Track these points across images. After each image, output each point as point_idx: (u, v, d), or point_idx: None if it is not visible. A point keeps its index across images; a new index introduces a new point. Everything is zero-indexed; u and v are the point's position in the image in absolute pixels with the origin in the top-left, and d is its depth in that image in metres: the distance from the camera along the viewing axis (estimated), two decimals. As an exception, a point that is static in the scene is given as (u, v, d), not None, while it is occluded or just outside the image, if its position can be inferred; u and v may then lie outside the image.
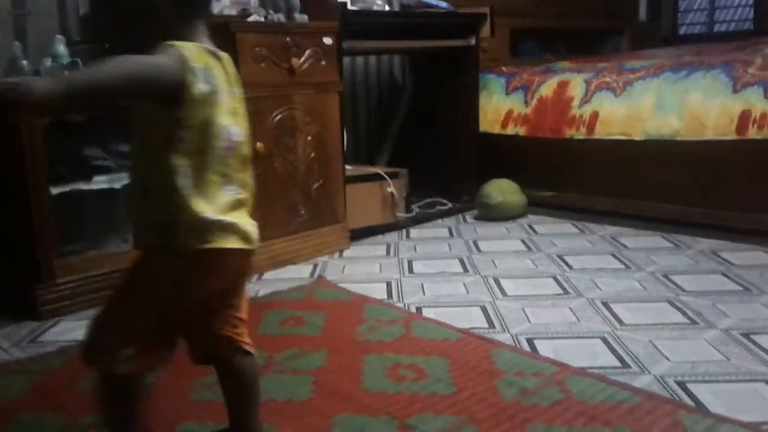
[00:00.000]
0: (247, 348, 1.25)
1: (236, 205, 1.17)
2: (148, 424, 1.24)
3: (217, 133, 1.12)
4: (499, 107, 3.52)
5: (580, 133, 3.17)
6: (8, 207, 2.17)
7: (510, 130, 3.45)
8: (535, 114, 3.38)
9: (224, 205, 1.14)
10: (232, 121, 1.15)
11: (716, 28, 5.36)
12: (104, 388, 1.20)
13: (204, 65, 1.10)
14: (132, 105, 1.13)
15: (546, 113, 3.34)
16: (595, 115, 3.14)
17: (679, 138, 2.82)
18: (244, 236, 1.17)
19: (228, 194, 1.15)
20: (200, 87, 1.08)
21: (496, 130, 3.49)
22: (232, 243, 1.15)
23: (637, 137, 2.96)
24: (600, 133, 3.10)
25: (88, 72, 1.06)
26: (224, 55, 1.17)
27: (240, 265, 1.22)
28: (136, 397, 1.21)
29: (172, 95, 1.07)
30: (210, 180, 1.12)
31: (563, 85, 3.34)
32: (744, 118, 2.65)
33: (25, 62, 2.41)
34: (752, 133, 2.61)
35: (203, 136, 1.10)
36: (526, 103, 3.42)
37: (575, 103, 3.24)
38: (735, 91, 2.71)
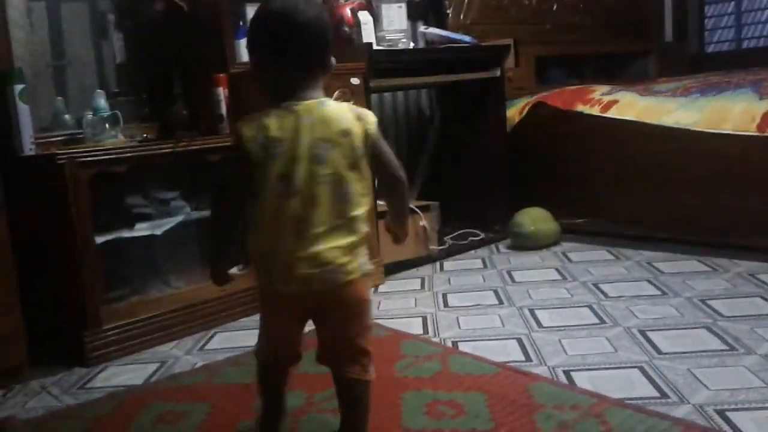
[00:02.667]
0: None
1: None
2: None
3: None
4: (519, 104, 3.56)
5: (593, 110, 3.16)
6: (55, 256, 2.26)
7: (526, 111, 3.46)
8: (552, 93, 3.43)
9: None
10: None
11: (744, 44, 5.33)
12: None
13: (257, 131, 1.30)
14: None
15: (564, 93, 3.38)
16: (613, 101, 3.15)
17: (696, 128, 2.77)
18: None
19: None
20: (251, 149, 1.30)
21: (516, 119, 3.49)
22: None
23: (650, 121, 2.93)
24: (613, 113, 3.08)
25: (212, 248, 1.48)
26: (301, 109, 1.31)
27: None
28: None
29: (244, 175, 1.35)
30: None
31: (587, 88, 3.39)
32: (767, 117, 2.61)
33: (67, 116, 2.53)
34: None
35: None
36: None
37: (596, 93, 3.27)
38: (761, 98, 2.70)
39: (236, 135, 1.30)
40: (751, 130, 2.62)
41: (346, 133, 1.30)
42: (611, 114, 3.08)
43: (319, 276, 1.29)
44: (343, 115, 1.31)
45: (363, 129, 1.31)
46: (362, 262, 1.35)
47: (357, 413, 1.42)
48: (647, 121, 2.95)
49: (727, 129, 2.69)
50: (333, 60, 1.37)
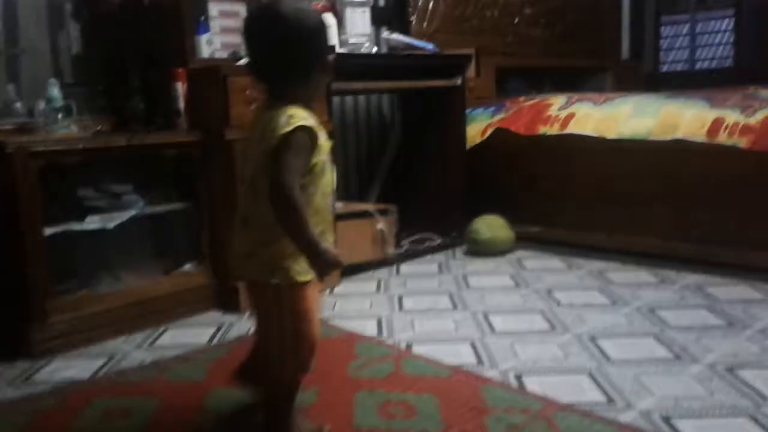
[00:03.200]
0: None
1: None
2: None
3: None
4: (482, 124, 3.58)
5: (553, 129, 3.20)
6: (1, 247, 2.19)
7: (488, 133, 3.48)
8: (512, 115, 3.45)
9: None
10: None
11: (698, 65, 5.49)
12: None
13: None
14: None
15: (522, 114, 3.42)
16: (570, 116, 3.20)
17: (651, 138, 2.85)
18: None
19: None
20: None
21: (477, 140, 3.51)
22: None
23: (609, 136, 2.99)
24: (572, 128, 3.13)
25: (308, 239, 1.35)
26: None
27: None
28: None
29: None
30: None
31: (545, 100, 3.43)
32: (717, 123, 2.69)
33: (19, 104, 2.46)
34: (722, 138, 2.64)
35: None
36: (506, 113, 3.49)
37: (553, 108, 3.32)
38: (712, 107, 2.78)
39: (304, 123, 1.35)
40: (701, 136, 2.70)
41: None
42: (570, 130, 3.14)
43: None
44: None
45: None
46: None
47: None
48: (605, 135, 3.01)
49: (678, 135, 2.77)
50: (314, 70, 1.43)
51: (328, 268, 1.37)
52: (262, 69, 1.44)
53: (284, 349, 1.44)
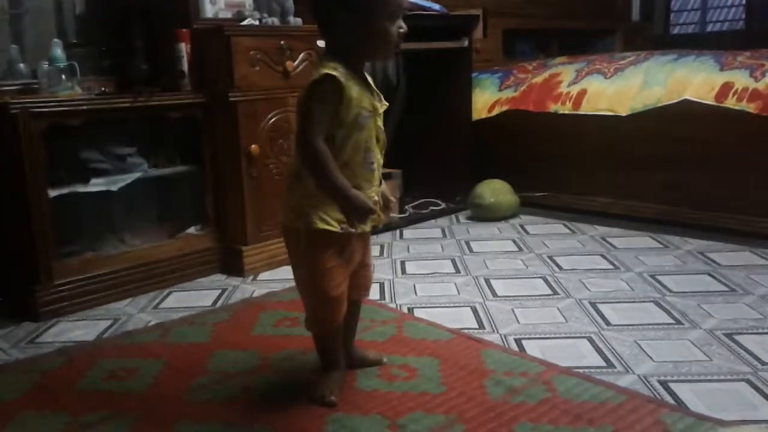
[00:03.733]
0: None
1: None
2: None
3: None
4: (490, 99, 3.55)
5: (566, 108, 3.18)
6: (7, 209, 2.21)
7: (495, 111, 3.46)
8: (522, 95, 3.41)
9: None
10: None
11: (709, 27, 5.41)
12: None
13: None
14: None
15: (532, 93, 3.38)
16: (582, 93, 3.16)
17: (660, 104, 2.84)
18: None
19: None
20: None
21: (483, 115, 3.49)
22: None
23: (622, 112, 2.97)
24: (586, 108, 3.11)
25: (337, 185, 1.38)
26: None
27: None
28: None
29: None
30: None
31: (554, 75, 3.38)
32: (726, 87, 2.68)
33: (22, 65, 2.45)
34: (731, 102, 2.63)
35: None
36: (516, 91, 3.45)
37: (564, 84, 3.28)
38: (721, 69, 2.75)
39: (329, 72, 1.37)
40: (709, 99, 2.68)
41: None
42: (584, 110, 3.10)
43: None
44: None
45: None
46: None
47: None
48: (619, 112, 2.98)
49: (687, 95, 2.75)
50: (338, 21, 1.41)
51: (357, 212, 1.39)
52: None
53: (304, 298, 1.55)
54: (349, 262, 1.52)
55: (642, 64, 3.07)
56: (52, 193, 2.19)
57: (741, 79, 2.66)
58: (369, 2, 1.39)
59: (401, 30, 1.43)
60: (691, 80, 2.78)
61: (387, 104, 1.51)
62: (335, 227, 1.44)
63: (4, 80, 2.38)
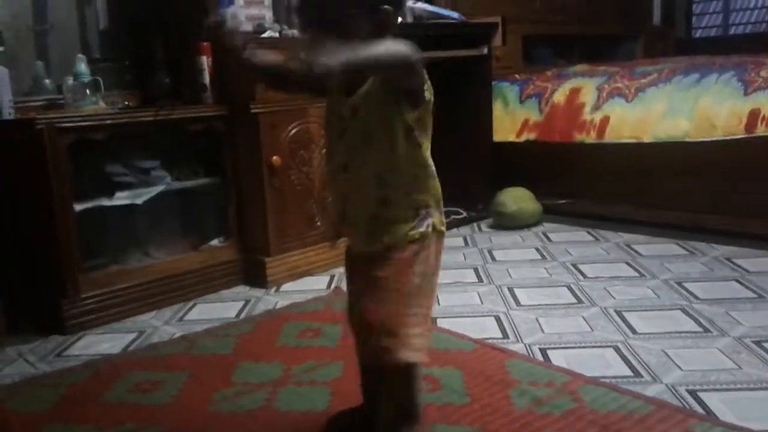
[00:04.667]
0: None
1: None
2: None
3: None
4: (515, 117, 3.52)
5: (590, 138, 3.16)
6: (34, 223, 2.24)
7: (523, 137, 3.45)
8: (547, 120, 3.39)
9: None
10: None
11: (731, 30, 5.34)
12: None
13: None
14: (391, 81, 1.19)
15: (557, 119, 3.35)
16: (606, 120, 3.14)
17: (688, 139, 2.81)
18: None
19: None
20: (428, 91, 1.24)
21: (511, 138, 3.50)
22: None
23: (646, 140, 2.95)
24: (610, 136, 3.09)
25: (357, 50, 1.08)
26: None
27: None
28: None
29: (418, 91, 1.21)
30: None
31: (575, 92, 3.35)
32: (753, 116, 2.64)
33: (47, 81, 2.49)
34: (761, 130, 2.60)
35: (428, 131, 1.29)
36: (541, 111, 3.43)
37: (587, 109, 3.25)
38: (746, 93, 2.72)
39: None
40: (740, 134, 2.66)
41: None
42: (608, 139, 3.08)
43: None
44: None
45: None
46: None
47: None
48: (642, 139, 2.95)
49: (717, 136, 2.73)
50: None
51: None
52: None
53: (409, 318, 1.29)
54: None
55: (664, 86, 3.01)
56: (78, 207, 2.22)
57: (766, 104, 2.63)
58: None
59: None
60: (718, 112, 2.75)
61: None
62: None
63: (30, 96, 2.42)
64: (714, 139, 2.74)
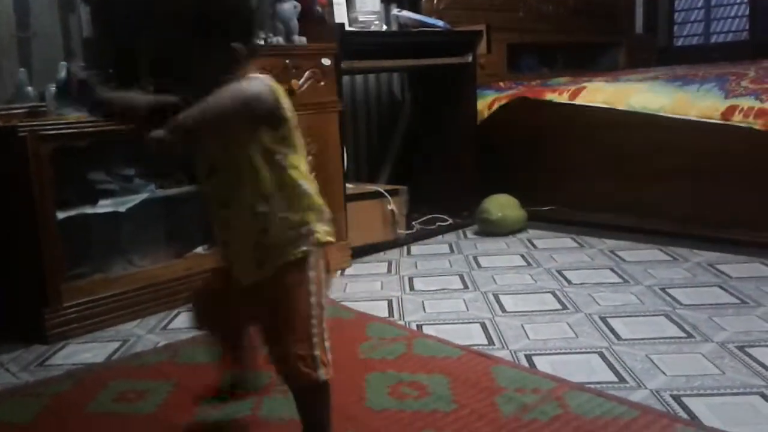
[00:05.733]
0: None
1: None
2: None
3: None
4: (489, 98, 3.57)
5: (562, 98, 3.20)
6: (15, 231, 2.22)
7: (494, 107, 3.48)
8: (520, 91, 3.47)
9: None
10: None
11: (713, 39, 5.41)
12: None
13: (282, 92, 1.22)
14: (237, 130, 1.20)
15: (530, 89, 3.43)
16: (581, 89, 3.21)
17: (662, 113, 2.85)
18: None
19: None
20: (287, 111, 1.21)
21: (485, 115, 3.51)
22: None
23: (619, 107, 2.99)
24: (583, 100, 3.13)
25: (199, 107, 1.11)
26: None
27: None
28: None
29: (273, 117, 1.19)
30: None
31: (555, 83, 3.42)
32: (731, 109, 2.68)
33: (30, 88, 2.47)
34: (737, 119, 2.63)
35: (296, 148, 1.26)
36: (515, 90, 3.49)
37: (562, 82, 3.32)
38: (726, 97, 2.75)
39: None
40: (716, 118, 2.68)
41: None
42: (580, 101, 3.12)
43: None
44: None
45: None
46: None
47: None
48: (615, 106, 2.99)
49: (692, 116, 2.75)
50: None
51: None
52: None
53: (311, 335, 1.32)
54: None
55: (647, 82, 3.09)
56: (60, 215, 2.19)
57: (746, 102, 2.66)
58: None
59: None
60: (697, 104, 2.79)
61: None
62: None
63: (12, 103, 2.40)
64: (689, 118, 2.76)
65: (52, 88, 2.38)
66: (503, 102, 3.43)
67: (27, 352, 2.10)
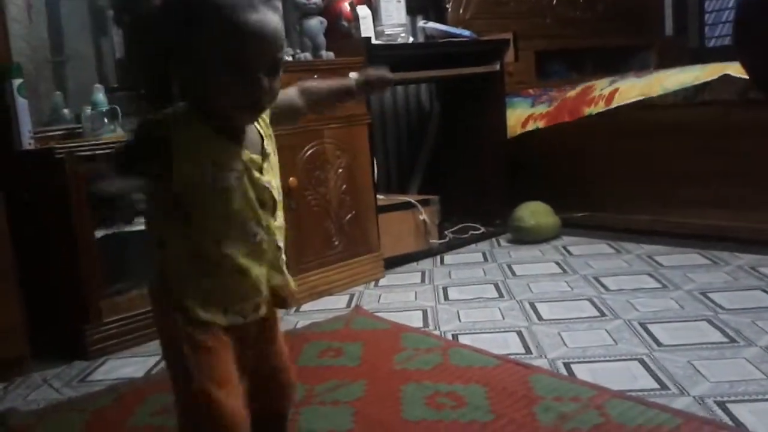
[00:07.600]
0: None
1: None
2: None
3: None
4: (521, 114, 3.55)
5: (599, 107, 3.18)
6: (55, 250, 2.26)
7: (530, 126, 3.46)
8: (556, 109, 3.42)
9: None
10: None
11: (745, 39, 5.31)
12: None
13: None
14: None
15: (566, 104, 3.39)
16: (615, 91, 3.19)
17: (696, 82, 2.87)
18: None
19: None
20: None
21: (518, 131, 3.49)
22: None
23: (654, 93, 2.99)
24: (618, 101, 3.12)
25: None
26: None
27: None
28: None
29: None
30: None
31: (589, 87, 3.39)
32: None
33: (66, 111, 2.52)
34: None
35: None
36: (550, 105, 3.45)
37: (597, 89, 3.31)
38: None
39: None
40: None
41: None
42: (616, 103, 3.10)
43: None
44: None
45: None
46: None
47: None
48: (651, 94, 3.00)
49: (728, 71, 2.75)
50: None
51: None
52: None
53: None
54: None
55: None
56: (99, 233, 2.24)
57: None
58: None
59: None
60: (734, 66, 2.75)
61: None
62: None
63: (49, 126, 2.46)
64: (722, 74, 2.76)
65: (88, 110, 2.43)
66: (540, 124, 3.41)
67: (69, 367, 2.14)
